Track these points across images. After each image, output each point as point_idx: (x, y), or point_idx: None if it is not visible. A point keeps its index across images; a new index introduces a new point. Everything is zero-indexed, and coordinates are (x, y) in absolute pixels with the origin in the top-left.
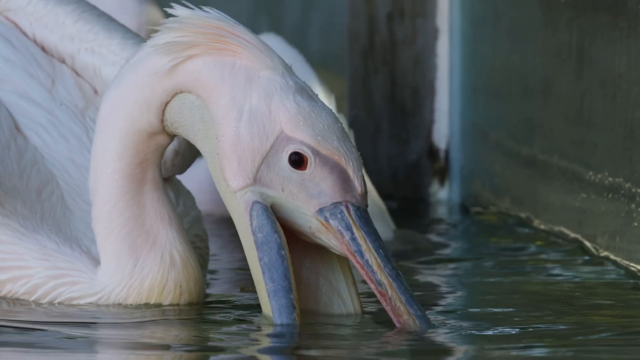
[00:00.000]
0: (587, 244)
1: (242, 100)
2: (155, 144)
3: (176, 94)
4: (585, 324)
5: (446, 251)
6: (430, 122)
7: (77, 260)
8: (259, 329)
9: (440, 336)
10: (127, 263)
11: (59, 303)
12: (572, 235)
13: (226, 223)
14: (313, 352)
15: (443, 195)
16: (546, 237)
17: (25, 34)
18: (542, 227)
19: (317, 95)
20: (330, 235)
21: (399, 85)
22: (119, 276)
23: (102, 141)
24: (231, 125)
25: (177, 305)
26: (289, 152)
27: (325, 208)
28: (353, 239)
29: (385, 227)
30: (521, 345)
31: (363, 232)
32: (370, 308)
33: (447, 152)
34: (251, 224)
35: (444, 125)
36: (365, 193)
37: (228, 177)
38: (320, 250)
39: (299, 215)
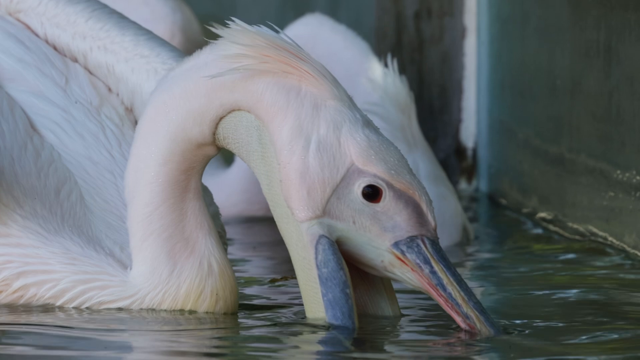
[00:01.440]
0: (615, 242)
1: (310, 129)
2: (202, 154)
3: (233, 110)
4: (623, 325)
5: (478, 253)
6: (458, 121)
7: (104, 263)
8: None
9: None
10: (165, 268)
11: (87, 307)
12: (600, 233)
13: (257, 224)
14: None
15: (471, 193)
16: (574, 235)
17: (36, 35)
18: (570, 225)
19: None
20: (406, 269)
21: (426, 84)
22: (155, 280)
23: (147, 142)
24: (298, 153)
25: (212, 312)
26: (363, 185)
27: (401, 242)
28: (433, 272)
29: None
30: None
31: (442, 266)
32: None
33: (474, 150)
34: (316, 258)
35: (472, 123)
36: (436, 227)
37: (295, 206)
38: (368, 276)
39: (370, 249)
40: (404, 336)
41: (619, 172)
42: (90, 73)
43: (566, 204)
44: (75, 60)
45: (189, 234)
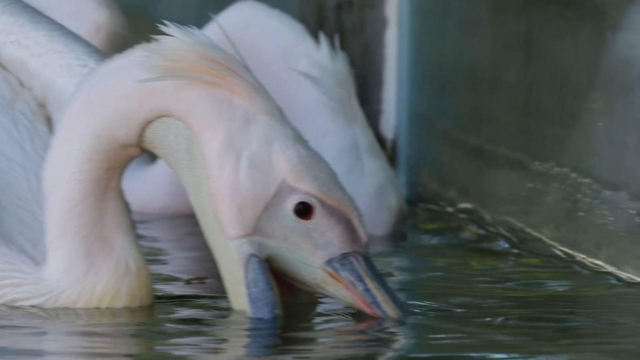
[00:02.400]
0: (533, 233)
1: (241, 144)
2: (126, 154)
3: (163, 115)
4: (528, 310)
5: (397, 244)
6: (378, 112)
7: (17, 260)
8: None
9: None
10: (81, 266)
11: (3, 304)
12: (518, 225)
13: (180, 220)
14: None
15: None
16: (492, 227)
17: None
18: (489, 217)
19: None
20: (339, 286)
21: None
22: (71, 279)
23: (69, 138)
24: (229, 168)
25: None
26: (294, 202)
27: (334, 259)
28: (367, 290)
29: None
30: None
31: (376, 283)
32: None
33: (394, 141)
34: (245, 277)
35: (392, 115)
36: (368, 242)
37: (225, 223)
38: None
39: (302, 266)
40: (323, 327)
41: (537, 163)
42: (3, 68)
43: (485, 196)
44: None
45: (107, 234)
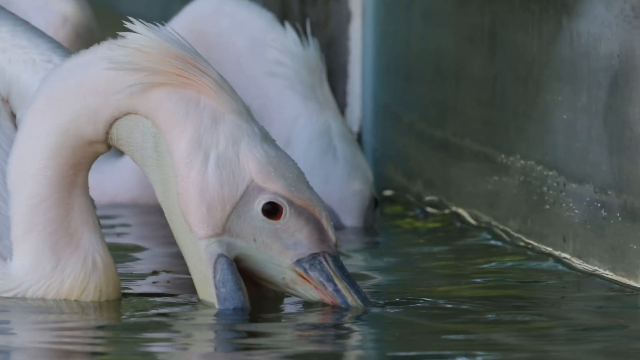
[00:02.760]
0: (499, 226)
1: (209, 144)
2: (92, 151)
3: (130, 113)
4: (493, 304)
5: (359, 237)
6: (343, 105)
7: None
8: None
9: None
10: (48, 262)
11: None
12: (484, 218)
13: (151, 211)
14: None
15: None
16: (458, 220)
17: None
18: (454, 210)
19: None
20: (308, 286)
21: None
22: (38, 274)
23: (35, 133)
24: (197, 168)
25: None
26: (262, 202)
27: (303, 259)
28: (337, 290)
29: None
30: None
31: (345, 283)
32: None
33: (359, 134)
34: (214, 277)
35: (357, 108)
36: (337, 242)
37: (194, 223)
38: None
39: (271, 266)
40: (293, 319)
41: (503, 156)
42: None
43: (451, 188)
44: None
45: (74, 230)
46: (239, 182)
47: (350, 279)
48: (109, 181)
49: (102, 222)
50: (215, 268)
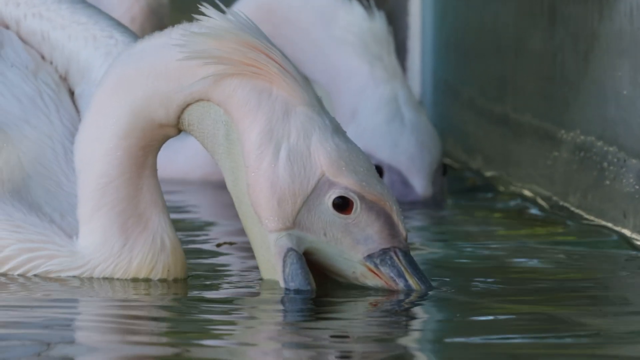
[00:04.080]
0: (560, 202)
1: (280, 136)
2: (163, 133)
3: (202, 99)
4: (561, 282)
5: (425, 212)
6: None
7: (49, 231)
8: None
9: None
10: (117, 241)
11: (35, 275)
12: (544, 193)
13: (222, 187)
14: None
15: None
16: (517, 195)
17: None
18: (515, 185)
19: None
20: (379, 281)
21: None
22: (106, 253)
23: (105, 113)
24: (267, 160)
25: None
26: (333, 197)
27: (374, 254)
28: (408, 286)
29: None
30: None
31: (416, 279)
32: None
33: None
34: (283, 271)
35: (416, 83)
36: (407, 237)
37: (264, 216)
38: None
39: (341, 261)
40: (357, 300)
41: (563, 131)
42: (23, 41)
43: (510, 164)
44: (7, 28)
45: (142, 210)
46: (310, 176)
47: (422, 274)
48: (180, 158)
49: (173, 198)
50: (284, 262)
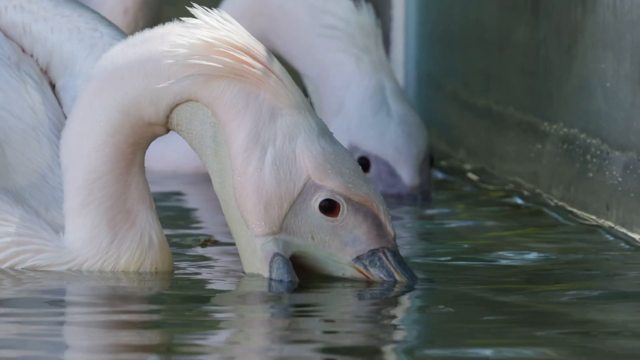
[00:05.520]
0: (543, 194)
1: (266, 139)
2: (151, 132)
3: (191, 100)
4: (545, 274)
5: (408, 207)
6: None
7: (37, 225)
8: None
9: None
10: (105, 237)
11: (23, 269)
12: (527, 186)
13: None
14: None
15: None
16: (500, 188)
17: None
18: (498, 178)
19: (333, 134)
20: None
21: None
22: (94, 249)
23: (94, 109)
24: (254, 164)
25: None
26: (319, 200)
27: (363, 256)
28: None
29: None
30: (486, 287)
31: (406, 279)
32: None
33: None
34: (270, 275)
35: (400, 76)
36: (395, 236)
37: (251, 220)
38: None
39: (330, 263)
40: (344, 293)
41: (546, 124)
42: (4, 34)
43: (494, 157)
44: None
45: (130, 207)
46: (296, 180)
47: (411, 273)
48: (173, 151)
49: (165, 190)
50: (270, 267)
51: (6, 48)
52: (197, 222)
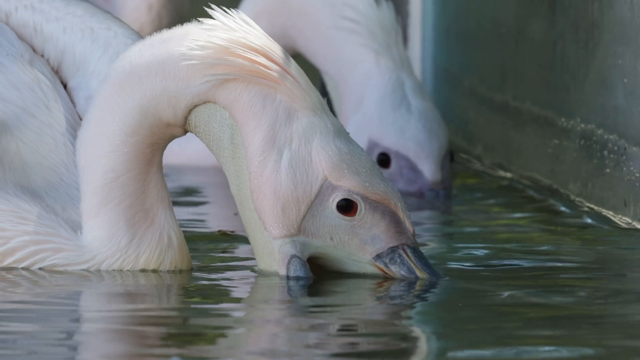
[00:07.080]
0: (560, 189)
1: (283, 141)
2: (169, 132)
3: (209, 101)
4: (562, 270)
5: (427, 202)
6: None
7: (55, 224)
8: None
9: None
10: (124, 236)
11: (39, 268)
12: (545, 181)
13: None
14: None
15: None
16: (518, 183)
17: None
18: (515, 173)
19: (349, 134)
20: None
21: None
22: (114, 247)
23: (112, 110)
24: (270, 167)
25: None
26: (337, 200)
27: (383, 254)
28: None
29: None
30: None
31: (427, 274)
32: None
33: None
34: (287, 277)
35: (417, 72)
36: (414, 233)
37: (268, 222)
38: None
39: (351, 262)
40: (360, 290)
41: (563, 119)
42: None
43: (511, 152)
44: None
45: (149, 206)
46: (313, 182)
47: (432, 269)
48: (192, 145)
49: (184, 185)
50: (288, 269)
51: (19, 46)
52: (214, 218)
